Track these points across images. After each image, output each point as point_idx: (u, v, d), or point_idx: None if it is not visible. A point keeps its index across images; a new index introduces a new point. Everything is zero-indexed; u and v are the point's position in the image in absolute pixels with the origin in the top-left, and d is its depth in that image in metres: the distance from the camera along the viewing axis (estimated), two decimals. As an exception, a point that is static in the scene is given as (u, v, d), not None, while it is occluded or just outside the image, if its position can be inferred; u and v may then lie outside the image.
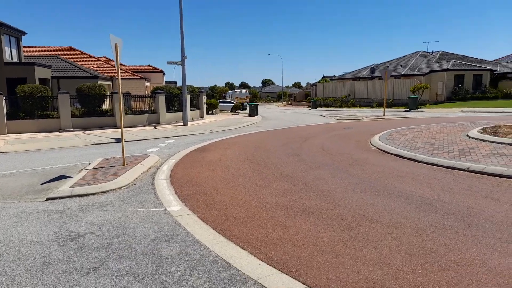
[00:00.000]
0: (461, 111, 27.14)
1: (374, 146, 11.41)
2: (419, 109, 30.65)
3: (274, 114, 33.67)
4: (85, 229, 4.92)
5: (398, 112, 29.33)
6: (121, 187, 7.05)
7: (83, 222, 5.18)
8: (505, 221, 4.66)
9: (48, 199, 6.44)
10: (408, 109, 31.36)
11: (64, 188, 6.86)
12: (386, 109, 31.21)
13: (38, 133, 17.50)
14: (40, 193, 6.95)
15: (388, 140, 12.01)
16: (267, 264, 3.77)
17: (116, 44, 8.29)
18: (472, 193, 6.00)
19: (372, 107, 37.75)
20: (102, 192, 6.73)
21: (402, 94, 36.74)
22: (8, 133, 17.21)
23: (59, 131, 18.00)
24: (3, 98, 17.21)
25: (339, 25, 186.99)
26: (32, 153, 12.41)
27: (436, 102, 34.96)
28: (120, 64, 36.16)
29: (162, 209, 5.73)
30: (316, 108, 42.28)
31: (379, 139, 12.20)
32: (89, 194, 6.60)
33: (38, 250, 4.26)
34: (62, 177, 8.17)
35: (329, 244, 4.18)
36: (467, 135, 11.80)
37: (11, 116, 17.76)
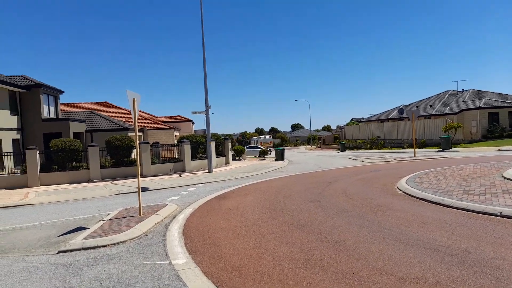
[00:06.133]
0: (499, 150, 25.74)
1: (400, 190, 10.85)
2: (453, 149, 29.42)
3: (301, 158, 33.38)
4: (86, 284, 4.81)
5: (430, 153, 28.26)
6: (132, 239, 6.98)
7: (86, 277, 5.08)
8: (539, 275, 4.11)
9: (59, 252, 6.45)
10: (441, 149, 30.18)
11: (76, 240, 6.88)
12: (418, 149, 30.23)
13: (68, 184, 18.13)
14: (54, 245, 6.98)
15: (415, 183, 11.41)
16: (264, 326, 3.45)
17: (133, 99, 8.63)
18: (503, 242, 5.43)
19: (403, 148, 36.72)
20: (112, 244, 6.67)
21: (433, 134, 35.65)
22: (40, 185, 17.96)
23: (88, 182, 18.58)
24: (37, 152, 18.20)
25: (366, 66, 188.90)
26: (59, 204, 12.77)
27: (471, 141, 33.55)
28: (151, 115, 37.66)
29: (167, 262, 5.55)
30: (345, 150, 41.64)
31: (406, 182, 11.62)
32: (99, 247, 6.55)
33: (34, 308, 4.16)
34: (79, 229, 8.23)
35: (335, 303, 3.81)
36: (502, 176, 11.04)
37: (44, 168, 18.62)
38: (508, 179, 10.44)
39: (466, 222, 6.71)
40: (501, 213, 6.96)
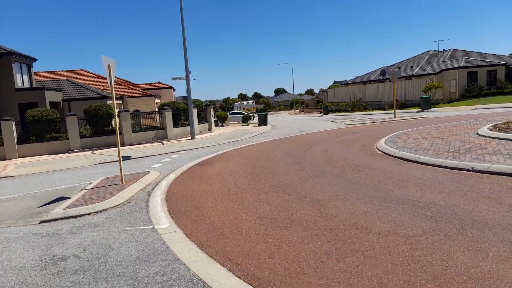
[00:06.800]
0: (476, 108, 26.39)
1: (379, 150, 11.11)
2: (432, 109, 29.98)
3: (284, 123, 33.51)
4: (69, 251, 4.86)
5: (410, 113, 28.75)
6: (114, 206, 7.01)
7: (69, 245, 5.13)
8: (502, 223, 4.37)
9: (41, 222, 6.44)
10: (420, 109, 30.71)
11: (58, 210, 6.87)
12: (398, 110, 30.68)
13: (48, 155, 17.83)
14: (36, 216, 6.98)
15: (394, 143, 11.68)
16: (244, 281, 3.61)
17: (109, 65, 8.35)
18: (473, 194, 5.70)
19: (384, 109, 37.19)
20: (95, 212, 6.70)
21: (414, 95, 36.09)
22: (19, 157, 17.61)
23: (68, 152, 18.31)
24: (13, 123, 17.68)
25: (349, 29, 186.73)
26: (39, 175, 12.61)
27: (450, 100, 34.17)
28: (131, 82, 36.58)
29: (150, 227, 5.64)
30: (327, 114, 41.94)
31: (384, 143, 11.88)
32: (82, 215, 6.57)
33: (18, 276, 4.21)
34: (61, 199, 8.20)
35: (312, 257, 3.98)
36: (477, 133, 11.37)
37: (22, 140, 18.18)
38: (482, 136, 10.77)
39: (439, 177, 6.98)
40: (473, 168, 7.25)
